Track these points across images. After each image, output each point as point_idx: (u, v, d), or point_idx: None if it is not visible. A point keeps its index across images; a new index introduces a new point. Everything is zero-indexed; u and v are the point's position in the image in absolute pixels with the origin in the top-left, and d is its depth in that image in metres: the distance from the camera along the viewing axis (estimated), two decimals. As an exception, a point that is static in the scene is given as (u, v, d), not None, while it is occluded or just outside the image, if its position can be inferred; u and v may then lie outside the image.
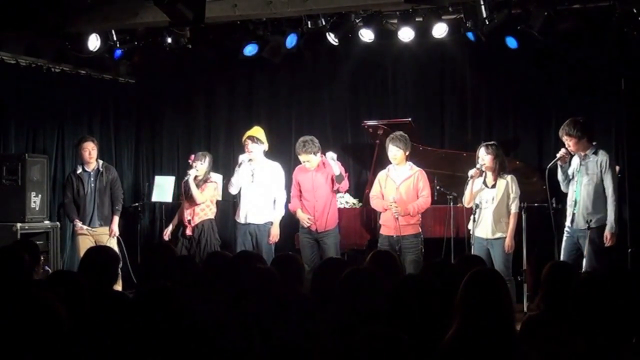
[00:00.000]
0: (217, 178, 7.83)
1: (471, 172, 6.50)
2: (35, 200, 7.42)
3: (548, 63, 7.87)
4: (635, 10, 6.54)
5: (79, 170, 7.57)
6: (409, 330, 2.83)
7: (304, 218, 7.14)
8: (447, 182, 7.37)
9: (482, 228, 6.48)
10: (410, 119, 7.71)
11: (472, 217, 6.51)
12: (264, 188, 7.32)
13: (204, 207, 7.43)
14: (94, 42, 7.42)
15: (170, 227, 7.66)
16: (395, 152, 6.78)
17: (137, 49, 7.83)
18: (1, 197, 7.34)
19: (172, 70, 8.83)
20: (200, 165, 7.43)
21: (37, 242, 6.35)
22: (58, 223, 7.80)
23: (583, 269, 5.95)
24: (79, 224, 7.43)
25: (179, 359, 2.67)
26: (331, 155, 7.07)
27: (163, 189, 8.56)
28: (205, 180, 7.47)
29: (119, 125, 9.24)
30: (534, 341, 3.13)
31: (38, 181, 7.50)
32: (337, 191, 7.29)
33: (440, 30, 7.02)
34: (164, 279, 3.43)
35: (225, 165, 8.60)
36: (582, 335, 3.02)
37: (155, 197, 8.62)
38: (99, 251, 4.41)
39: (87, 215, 7.47)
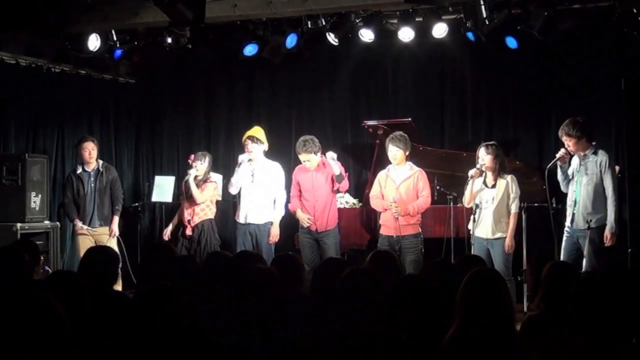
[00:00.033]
0: (217, 178, 7.84)
1: (471, 172, 6.50)
2: (35, 200, 7.41)
3: (548, 63, 7.87)
4: (635, 10, 6.54)
5: (79, 170, 7.57)
6: (409, 330, 2.84)
7: (303, 218, 7.14)
8: (447, 182, 7.36)
9: (482, 228, 6.48)
10: (410, 119, 7.71)
11: (472, 217, 6.52)
12: (264, 188, 7.32)
13: (203, 207, 7.43)
14: (94, 42, 7.42)
15: (170, 227, 7.67)
16: (395, 152, 6.78)
17: (137, 49, 7.83)
18: (1, 197, 7.34)
19: (172, 70, 8.84)
20: (200, 165, 7.43)
21: (37, 242, 6.35)
22: (58, 223, 7.80)
23: (583, 269, 5.95)
24: (79, 223, 7.44)
25: (179, 359, 2.67)
26: (331, 155, 7.07)
27: (163, 189, 8.56)
28: (205, 180, 7.48)
29: (119, 125, 9.23)
30: (534, 341, 3.13)
31: (38, 181, 7.50)
32: (337, 191, 7.29)
33: (440, 30, 7.02)
34: (164, 279, 3.43)
35: (225, 165, 8.60)
36: (582, 335, 3.02)
37: (155, 197, 8.62)
38: (99, 251, 4.41)
39: (87, 215, 7.48)
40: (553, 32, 6.74)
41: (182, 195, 7.55)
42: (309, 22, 7.04)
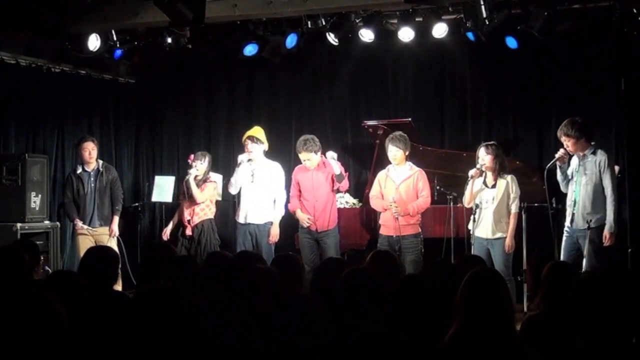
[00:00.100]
0: (217, 178, 7.84)
1: (471, 172, 6.50)
2: (35, 200, 7.41)
3: (548, 63, 7.87)
4: (635, 10, 6.55)
5: (79, 170, 7.57)
6: (409, 330, 2.83)
7: (303, 218, 7.14)
8: (447, 182, 7.36)
9: (482, 228, 6.48)
10: (410, 119, 7.71)
11: (472, 217, 6.52)
12: (264, 188, 7.32)
13: (203, 207, 7.43)
14: (94, 42, 7.42)
15: (169, 227, 7.67)
16: (395, 152, 6.78)
17: (137, 49, 7.83)
18: (1, 197, 7.34)
19: (172, 70, 8.84)
20: (200, 165, 7.43)
21: (37, 242, 6.35)
22: (58, 223, 7.80)
23: (583, 269, 5.95)
24: (79, 223, 7.44)
25: (179, 359, 2.67)
26: (331, 155, 7.08)
27: (163, 189, 8.56)
28: (205, 180, 7.48)
29: (119, 125, 9.23)
30: (534, 341, 3.13)
31: (38, 181, 7.50)
32: (337, 191, 7.30)
33: (440, 30, 7.02)
34: (164, 279, 3.43)
35: (225, 165, 8.60)
36: (582, 335, 3.02)
37: (155, 197, 8.62)
38: (99, 251, 4.41)
39: (87, 215, 7.48)
40: (553, 32, 6.74)
41: (183, 195, 7.55)
42: (309, 22, 7.04)
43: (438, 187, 7.29)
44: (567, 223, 6.33)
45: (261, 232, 7.27)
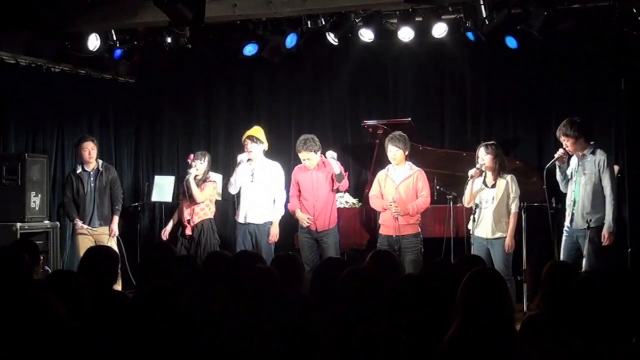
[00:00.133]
0: (217, 178, 7.84)
1: (471, 172, 6.50)
2: (35, 200, 7.42)
3: (548, 63, 7.87)
4: (635, 10, 6.55)
5: (79, 170, 7.57)
6: (409, 330, 2.83)
7: (303, 218, 7.14)
8: (447, 182, 7.36)
9: (483, 228, 6.48)
10: (410, 119, 7.71)
11: (472, 217, 6.51)
12: (264, 188, 7.32)
13: (203, 207, 7.44)
14: (94, 42, 7.42)
15: (169, 227, 7.67)
16: (394, 152, 6.78)
17: (137, 49, 7.84)
18: (1, 197, 7.34)
19: (172, 70, 8.84)
20: (200, 165, 7.43)
21: (37, 242, 6.36)
22: (58, 223, 7.80)
23: (583, 269, 5.95)
24: (79, 223, 7.44)
25: (179, 358, 2.67)
26: (331, 155, 7.08)
27: (163, 189, 8.56)
28: (205, 180, 7.48)
29: (119, 125, 9.23)
30: (534, 341, 3.13)
31: (38, 181, 7.50)
32: (338, 190, 7.30)
33: (440, 30, 7.02)
34: (164, 279, 3.43)
35: (225, 165, 8.60)
36: (582, 335, 3.02)
37: (155, 197, 8.62)
38: (99, 251, 4.41)
39: (87, 215, 7.48)
40: (553, 32, 6.74)
41: (183, 195, 7.54)
42: (309, 22, 7.04)
43: (438, 187, 7.29)
44: (567, 223, 6.33)
45: (261, 232, 7.27)
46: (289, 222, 7.54)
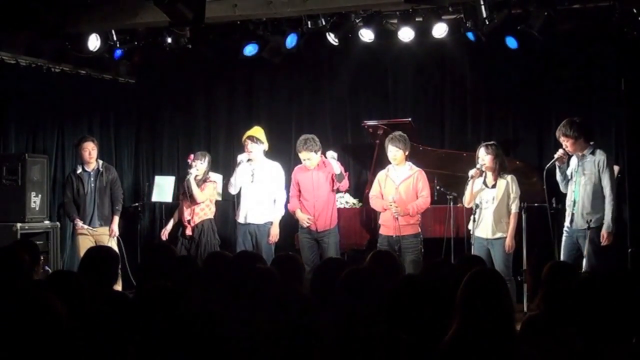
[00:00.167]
0: (216, 178, 7.84)
1: (471, 172, 6.50)
2: (35, 200, 7.42)
3: (548, 63, 7.87)
4: (635, 10, 6.55)
5: (79, 170, 7.57)
6: (409, 330, 2.83)
7: (303, 218, 7.14)
8: (447, 182, 7.37)
9: (483, 228, 6.48)
10: (410, 119, 7.72)
11: (472, 217, 6.52)
12: (264, 188, 7.32)
13: (203, 206, 7.44)
14: (94, 42, 7.42)
15: (168, 227, 7.68)
16: (394, 152, 6.78)
17: (137, 49, 7.84)
18: (1, 197, 7.34)
19: (172, 70, 8.84)
20: (200, 165, 7.44)
21: (37, 242, 6.36)
22: (58, 223, 7.80)
23: (583, 269, 5.95)
24: (79, 223, 7.44)
25: (179, 358, 2.67)
26: (332, 154, 7.08)
27: (163, 189, 8.56)
28: (205, 180, 7.48)
29: (119, 125, 9.24)
30: (534, 341, 3.13)
31: (38, 181, 7.50)
32: (338, 190, 7.30)
33: (440, 30, 7.02)
34: (164, 279, 3.43)
35: (225, 165, 8.60)
36: (582, 335, 3.01)
37: (155, 197, 8.62)
38: (99, 251, 4.41)
39: (87, 215, 7.48)
40: (553, 32, 6.74)
41: (184, 194, 7.54)
42: (309, 22, 7.04)
43: (438, 187, 7.30)
44: (567, 223, 6.34)
45: (261, 232, 7.27)
46: (289, 222, 7.55)
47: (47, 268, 6.27)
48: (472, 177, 6.50)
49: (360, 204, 7.81)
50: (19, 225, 7.21)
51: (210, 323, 3.17)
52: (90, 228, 7.45)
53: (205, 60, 8.29)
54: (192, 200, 7.38)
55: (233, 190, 7.43)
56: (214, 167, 7.90)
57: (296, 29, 7.21)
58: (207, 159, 7.52)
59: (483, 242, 6.47)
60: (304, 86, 8.95)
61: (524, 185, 6.72)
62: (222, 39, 7.61)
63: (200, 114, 9.33)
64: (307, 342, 3.18)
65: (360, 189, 8.14)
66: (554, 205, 6.55)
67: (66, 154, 8.47)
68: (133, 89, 9.30)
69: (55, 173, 8.35)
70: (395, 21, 7.31)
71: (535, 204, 6.83)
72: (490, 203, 6.47)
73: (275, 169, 7.41)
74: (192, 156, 7.50)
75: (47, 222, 7.61)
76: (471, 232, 6.56)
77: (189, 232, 7.40)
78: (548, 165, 6.43)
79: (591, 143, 6.29)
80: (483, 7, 6.57)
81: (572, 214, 6.27)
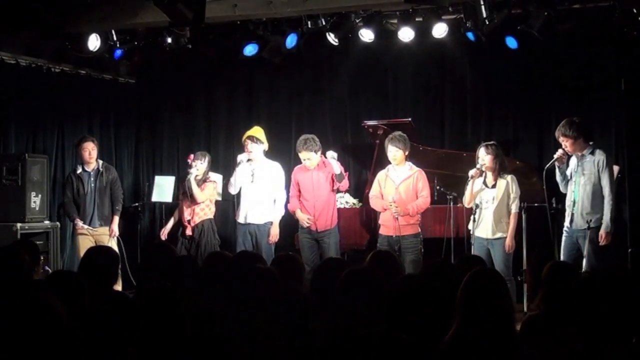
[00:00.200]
0: (216, 178, 7.84)
1: (471, 172, 6.50)
2: (35, 200, 7.42)
3: (548, 63, 7.87)
4: (635, 10, 6.55)
5: (79, 170, 7.57)
6: (409, 330, 2.83)
7: (303, 218, 7.14)
8: (447, 182, 7.36)
9: (483, 228, 6.48)
10: (410, 119, 7.72)
11: (472, 217, 6.51)
12: (264, 188, 7.32)
13: (203, 206, 7.44)
14: (94, 42, 7.42)
15: (168, 226, 7.68)
16: (394, 152, 6.78)
17: (137, 49, 7.83)
18: (1, 197, 7.34)
19: (172, 70, 8.84)
20: (200, 165, 7.44)
21: (37, 242, 6.36)
22: (58, 223, 7.81)
23: (583, 269, 5.95)
24: (79, 222, 7.44)
25: (179, 358, 2.67)
26: (332, 154, 7.08)
27: (163, 189, 8.56)
28: (205, 179, 7.48)
29: (119, 125, 9.24)
30: (534, 341, 3.13)
31: (38, 181, 7.50)
32: (338, 190, 7.30)
33: (440, 30, 7.02)
34: (164, 279, 3.43)
35: (225, 165, 8.60)
36: (582, 335, 3.01)
37: (155, 197, 8.62)
38: (99, 251, 4.41)
39: (87, 215, 7.48)
40: (553, 32, 6.74)
41: (184, 194, 7.53)
42: (309, 22, 7.04)
43: (438, 187, 7.30)
44: (567, 223, 6.33)
45: (261, 232, 7.27)
46: (289, 222, 7.55)
47: (47, 268, 6.27)
48: (472, 177, 6.50)
49: (360, 204, 7.81)
50: (19, 225, 7.22)
51: (210, 323, 3.17)
52: (91, 228, 7.45)
53: (205, 60, 8.29)
54: (192, 200, 7.38)
55: (233, 190, 7.43)
56: (214, 167, 7.90)
57: (296, 29, 7.21)
58: (207, 159, 7.53)
59: (483, 242, 6.47)
60: (304, 86, 8.95)
61: (524, 185, 6.72)
62: (222, 39, 7.61)
63: (200, 114, 9.33)
64: (307, 342, 3.18)
65: (360, 189, 8.14)
66: (554, 205, 6.55)
67: (66, 154, 8.47)
68: (133, 89, 9.30)
69: (55, 173, 8.35)
70: (395, 21, 7.31)
71: (535, 204, 6.83)
72: (490, 203, 6.47)
73: (275, 169, 7.41)
74: (192, 156, 7.50)
75: (47, 222, 7.61)
76: (471, 232, 6.56)
77: (189, 232, 7.40)
78: (548, 166, 6.42)
79: (590, 143, 6.28)
80: (483, 7, 6.57)
81: (572, 214, 6.27)
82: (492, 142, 6.64)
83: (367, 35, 7.29)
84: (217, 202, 7.75)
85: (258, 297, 3.54)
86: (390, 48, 7.96)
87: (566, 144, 6.25)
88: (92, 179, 7.52)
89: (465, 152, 7.45)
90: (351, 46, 7.80)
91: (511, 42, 7.01)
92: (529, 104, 8.09)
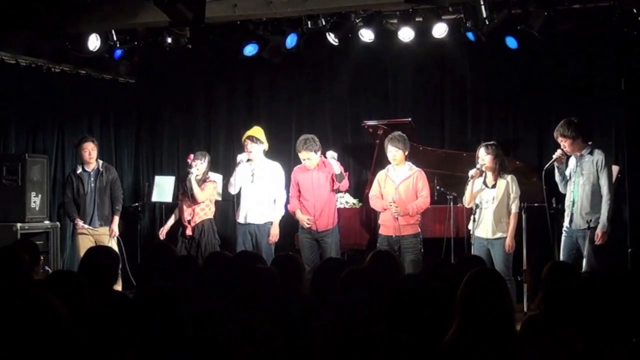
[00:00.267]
0: (217, 178, 7.84)
1: (471, 172, 6.50)
2: (35, 200, 7.42)
3: (548, 63, 7.87)
4: (635, 10, 6.55)
5: (79, 170, 7.57)
6: (409, 330, 2.83)
7: (303, 219, 7.14)
8: (447, 182, 7.36)
9: (483, 228, 6.48)
10: (410, 119, 7.72)
11: (472, 217, 6.52)
12: (264, 188, 7.32)
13: (203, 206, 7.44)
14: (94, 42, 7.42)
15: (167, 226, 7.69)
16: (394, 152, 6.78)
17: (137, 49, 7.83)
18: (1, 197, 7.35)
19: (172, 70, 8.84)
20: (200, 165, 7.44)
21: (37, 242, 6.36)
22: (58, 223, 7.81)
23: (583, 269, 5.95)
24: (80, 222, 7.44)
25: (179, 358, 2.67)
26: (332, 154, 7.08)
27: (163, 189, 8.56)
28: (204, 179, 7.48)
29: (119, 125, 9.24)
30: (534, 341, 3.13)
31: (38, 181, 7.50)
32: (338, 190, 7.30)
33: (440, 30, 7.02)
34: (164, 279, 3.42)
35: (225, 165, 8.60)
36: (582, 335, 3.02)
37: (155, 197, 8.62)
38: (99, 251, 4.41)
39: (87, 215, 7.48)
40: (553, 32, 6.74)
41: (185, 194, 7.53)
42: (309, 22, 7.05)
43: (438, 187, 7.30)
44: (566, 223, 6.33)
45: (261, 232, 7.27)
46: (289, 222, 7.55)
47: (47, 268, 6.27)
48: (472, 177, 6.50)
49: (360, 204, 7.81)
50: (19, 225, 7.22)
51: (210, 323, 3.17)
52: (91, 228, 7.45)
53: (205, 60, 8.29)
54: (193, 200, 7.38)
55: (233, 190, 7.43)
56: (214, 167, 7.90)
57: (296, 29, 7.21)
58: (206, 159, 7.53)
59: (483, 242, 6.47)
60: (304, 86, 8.95)
61: (524, 185, 6.72)
62: (222, 39, 7.61)
63: (200, 114, 9.33)
64: (307, 342, 3.18)
65: (360, 189, 8.14)
66: (554, 205, 6.55)
67: (66, 154, 8.47)
68: (133, 89, 9.31)
69: (55, 173, 8.35)
70: (395, 21, 7.31)
71: (535, 204, 6.83)
72: (490, 203, 6.47)
73: (275, 169, 7.41)
74: (192, 156, 7.50)
75: (47, 222, 7.61)
76: (471, 232, 6.56)
77: (189, 232, 7.41)
78: (547, 166, 6.42)
79: (589, 143, 6.28)
80: (483, 7, 6.57)
81: (571, 214, 6.27)
82: (492, 142, 6.64)
83: (367, 35, 7.29)
84: (217, 202, 7.75)
85: (258, 297, 3.54)
86: (390, 48, 7.96)
87: (565, 144, 6.24)
88: (92, 179, 7.53)
89: (465, 152, 7.45)
90: (351, 46, 7.80)
91: (511, 42, 7.01)
92: (529, 104, 8.08)
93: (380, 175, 6.98)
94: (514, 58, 7.62)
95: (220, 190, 7.95)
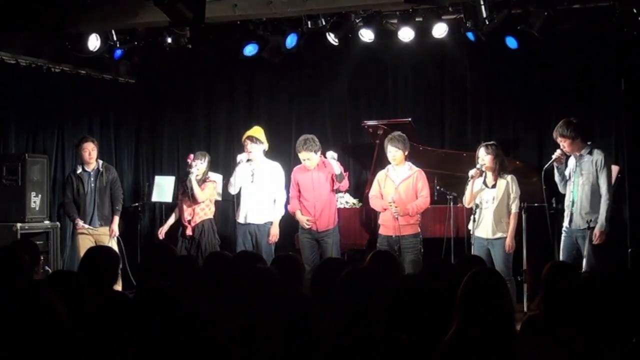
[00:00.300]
0: (217, 178, 7.84)
1: (471, 172, 6.50)
2: (35, 200, 7.42)
3: (548, 63, 7.87)
4: (635, 10, 6.55)
5: (79, 170, 7.57)
6: (409, 330, 2.83)
7: (303, 220, 7.14)
8: (447, 182, 7.36)
9: (483, 228, 6.48)
10: (410, 119, 7.72)
11: (472, 217, 6.52)
12: (264, 188, 7.32)
13: (203, 206, 7.44)
14: (94, 42, 7.42)
15: (166, 226, 7.69)
16: (394, 152, 6.78)
17: (137, 49, 7.83)
18: (1, 197, 7.35)
19: (172, 70, 8.84)
20: (200, 165, 7.44)
21: (37, 242, 6.36)
22: (58, 223, 7.80)
23: (583, 269, 5.95)
24: (80, 222, 7.44)
25: (179, 359, 2.67)
26: (332, 155, 7.08)
27: (163, 189, 8.57)
28: (204, 179, 7.48)
29: (119, 125, 9.24)
30: (534, 341, 3.13)
31: (38, 181, 7.50)
32: (338, 190, 7.30)
33: (440, 30, 7.02)
34: (164, 279, 3.43)
35: (225, 165, 8.60)
36: (582, 335, 3.01)
37: (155, 197, 8.62)
38: (99, 251, 4.41)
39: (87, 216, 7.48)
40: (553, 32, 6.74)
41: (183, 194, 7.53)
42: (309, 22, 7.05)
43: (438, 187, 7.30)
44: (566, 223, 6.33)
45: (261, 232, 7.27)
46: (289, 222, 7.55)
47: (47, 268, 6.27)
48: (472, 177, 6.50)
49: (360, 204, 7.81)
50: (19, 225, 7.22)
51: (210, 323, 3.17)
52: (91, 228, 7.45)
53: (205, 60, 8.29)
54: (193, 200, 7.38)
55: (233, 190, 7.43)
56: (214, 167, 7.90)
57: (296, 29, 7.21)
58: (206, 159, 7.53)
59: (483, 242, 6.47)
60: (304, 86, 8.95)
61: (524, 185, 6.72)
62: (222, 39, 7.61)
63: (200, 114, 9.33)
64: (307, 342, 3.18)
65: (360, 189, 8.14)
66: (554, 205, 6.55)
67: (66, 154, 8.47)
68: (133, 89, 9.31)
69: (55, 173, 8.35)
70: (395, 21, 7.31)
71: (535, 204, 6.83)
72: (490, 203, 6.47)
73: (275, 169, 7.41)
74: (192, 156, 7.50)
75: (47, 222, 7.61)
76: (471, 232, 6.56)
77: (189, 232, 7.41)
78: (546, 166, 6.43)
79: (589, 143, 6.28)
80: (483, 7, 6.57)
81: (571, 214, 6.26)
82: (492, 142, 6.64)
83: (367, 35, 7.29)
84: (217, 202, 7.75)
85: (258, 297, 3.54)
86: (390, 48, 7.96)
87: (564, 144, 6.24)
88: (92, 179, 7.53)
89: (465, 152, 7.45)
90: (351, 46, 7.80)
91: (511, 42, 7.01)
92: (529, 104, 8.08)
93: (380, 175, 6.98)
94: (514, 58, 7.62)
95: (220, 190, 7.95)
